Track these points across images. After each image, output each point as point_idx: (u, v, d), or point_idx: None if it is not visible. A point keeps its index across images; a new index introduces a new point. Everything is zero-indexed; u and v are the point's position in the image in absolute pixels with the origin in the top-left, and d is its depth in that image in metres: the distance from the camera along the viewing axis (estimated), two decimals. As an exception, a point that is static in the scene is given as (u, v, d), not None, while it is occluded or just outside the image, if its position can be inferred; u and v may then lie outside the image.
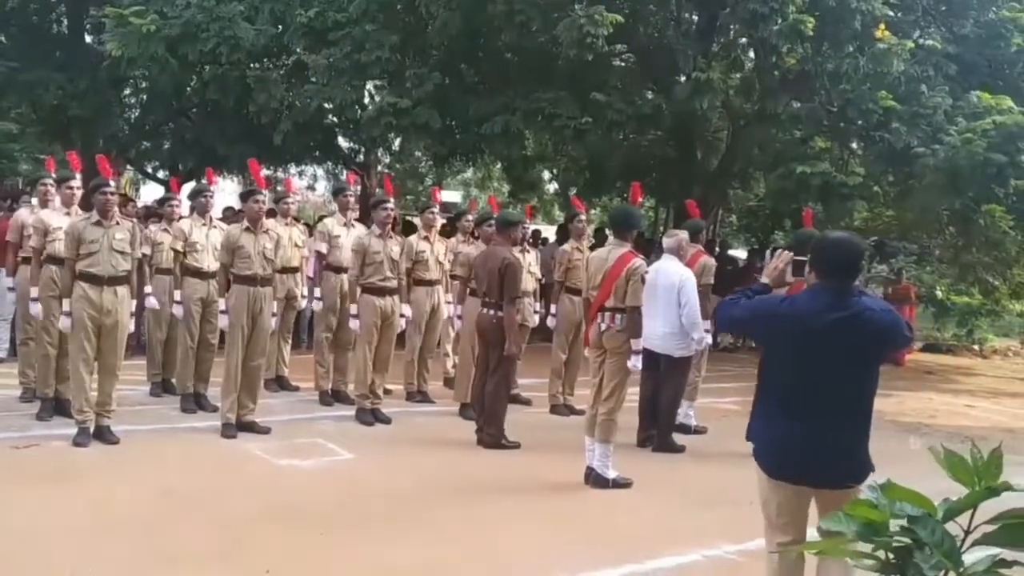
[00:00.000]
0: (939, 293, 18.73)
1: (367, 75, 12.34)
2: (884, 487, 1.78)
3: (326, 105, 12.42)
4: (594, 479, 6.02)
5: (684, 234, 7.38)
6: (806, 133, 13.23)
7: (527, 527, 5.12)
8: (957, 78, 12.44)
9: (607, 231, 9.30)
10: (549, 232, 17.40)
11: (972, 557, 1.76)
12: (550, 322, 8.55)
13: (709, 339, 7.73)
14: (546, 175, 22.01)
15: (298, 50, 12.67)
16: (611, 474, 6.03)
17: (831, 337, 3.26)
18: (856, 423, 3.38)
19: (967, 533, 1.77)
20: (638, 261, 6.09)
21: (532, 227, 15.34)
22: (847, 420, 3.35)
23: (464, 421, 7.58)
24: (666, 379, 7.19)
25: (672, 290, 6.91)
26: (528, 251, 8.91)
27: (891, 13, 11.69)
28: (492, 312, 6.96)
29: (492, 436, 6.85)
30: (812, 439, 3.33)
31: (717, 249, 15.37)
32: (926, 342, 17.42)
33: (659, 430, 7.24)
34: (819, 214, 14.53)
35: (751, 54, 14.06)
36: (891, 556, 1.76)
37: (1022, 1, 13.00)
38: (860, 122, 12.31)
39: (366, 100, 13.96)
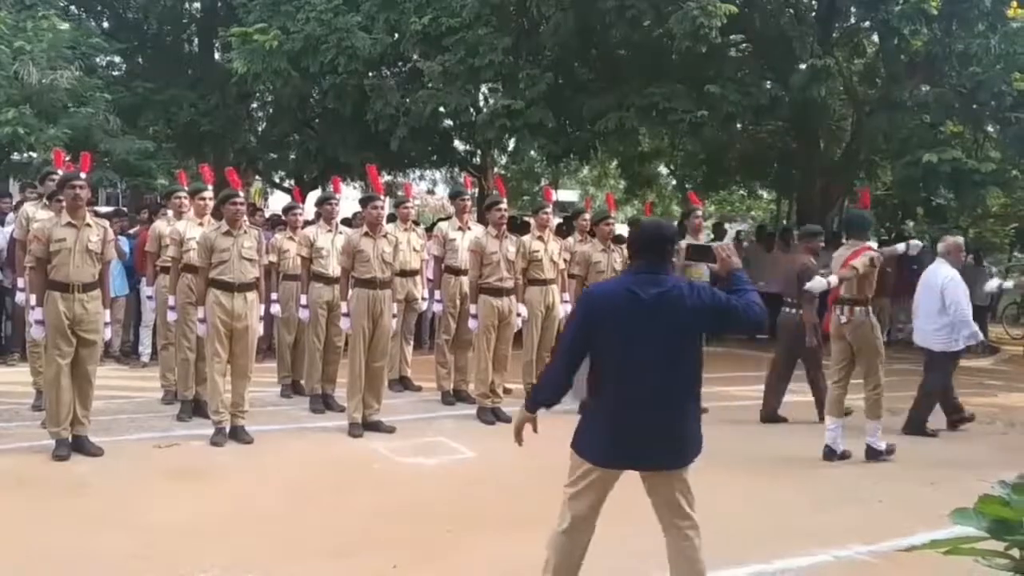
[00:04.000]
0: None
1: (481, 78, 12.51)
2: (1015, 485, 1.70)
3: (441, 109, 12.65)
4: (868, 452, 6.73)
5: (956, 239, 8.07)
6: (935, 119, 12.67)
7: (648, 526, 5.07)
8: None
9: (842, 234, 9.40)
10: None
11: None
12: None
13: (980, 335, 8.12)
14: (663, 170, 21.78)
15: (413, 57, 12.95)
16: (881, 445, 6.73)
17: (650, 312, 3.36)
18: (682, 400, 3.45)
19: (1108, 532, 1.69)
20: (871, 252, 6.82)
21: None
22: (673, 397, 3.42)
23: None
24: (927, 369, 7.94)
25: (935, 290, 7.63)
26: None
27: (1025, -11, 11.12)
28: (794, 311, 7.92)
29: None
30: (641, 422, 3.40)
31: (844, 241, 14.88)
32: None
33: (915, 415, 7.80)
34: (951, 202, 13.96)
35: (875, 38, 13.57)
36: (1026, 555, 1.69)
37: None
38: (993, 103, 11.73)
39: (480, 103, 14.14)
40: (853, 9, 12.34)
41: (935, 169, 11.43)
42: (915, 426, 7.70)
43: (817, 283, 6.89)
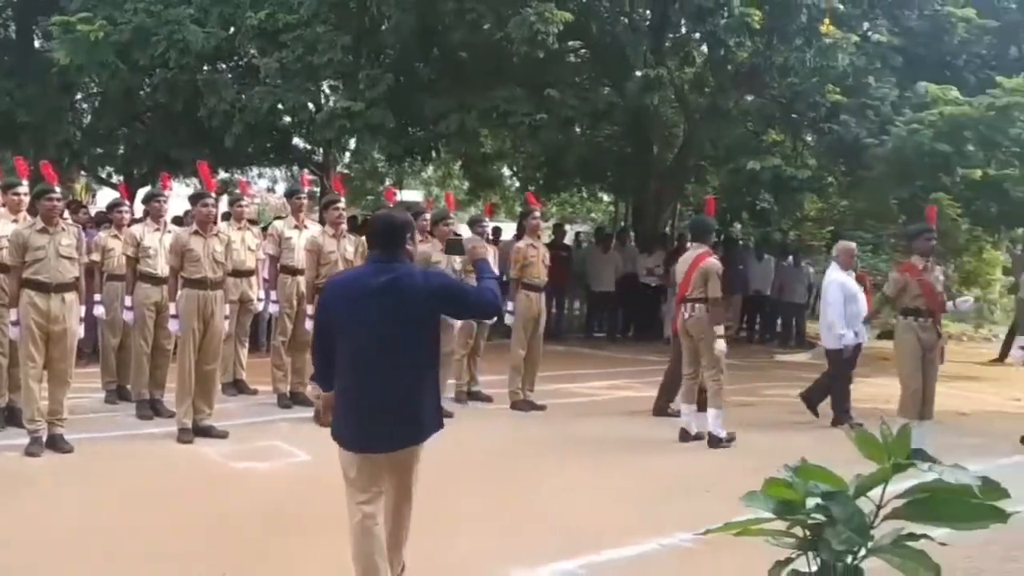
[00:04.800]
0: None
1: (320, 76, 12.34)
2: (798, 468, 1.84)
3: (279, 107, 12.37)
4: (710, 440, 7.15)
5: (848, 244, 8.55)
6: (757, 127, 13.43)
7: (485, 524, 5.15)
8: (904, 70, 12.68)
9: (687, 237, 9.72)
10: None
11: (883, 531, 1.82)
12: (508, 319, 8.58)
13: (850, 338, 8.11)
14: (506, 171, 22.06)
15: (250, 52, 12.63)
16: (722, 433, 7.13)
17: (379, 298, 3.54)
18: (414, 380, 3.63)
19: (879, 508, 1.84)
20: (712, 259, 7.19)
21: (493, 224, 15.40)
22: (404, 378, 3.59)
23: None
24: (828, 365, 8.44)
25: (825, 291, 8.26)
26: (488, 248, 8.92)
27: (839, 6, 11.89)
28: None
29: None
30: (374, 403, 3.58)
31: (675, 243, 15.53)
32: (883, 329, 17.66)
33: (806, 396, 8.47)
34: (773, 206, 14.81)
35: (704, 49, 14.22)
36: (808, 533, 1.82)
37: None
38: (811, 115, 12.52)
39: (322, 101, 13.92)
40: (683, 20, 12.88)
41: (758, 175, 12.11)
42: (807, 402, 8.42)
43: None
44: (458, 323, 8.11)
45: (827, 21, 11.48)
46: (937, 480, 1.78)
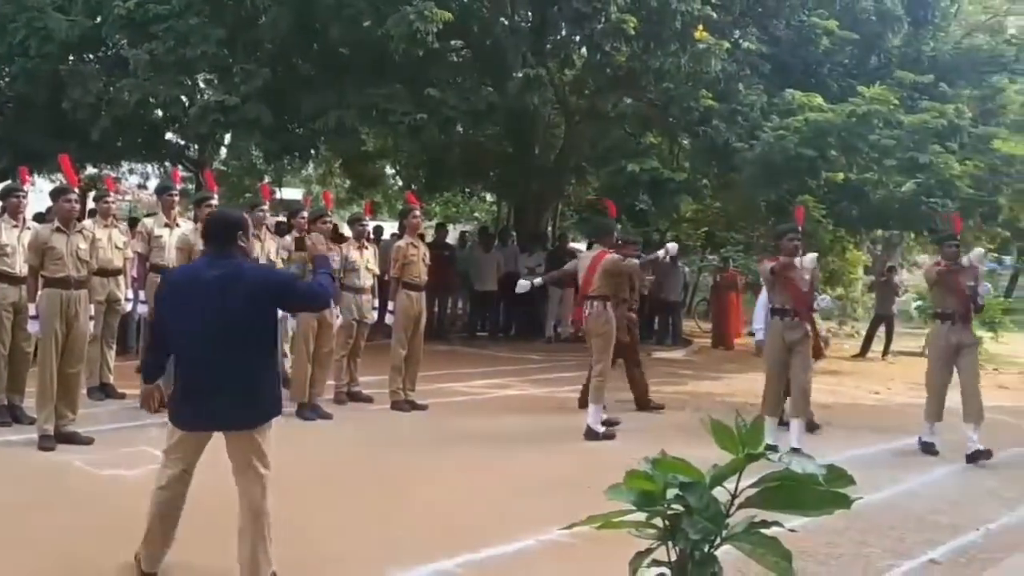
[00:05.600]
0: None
1: (193, 70, 11.97)
2: (657, 460, 1.89)
3: (150, 100, 11.94)
4: (587, 433, 7.36)
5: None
6: (634, 129, 13.72)
7: (362, 526, 5.10)
8: (772, 77, 13.18)
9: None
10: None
11: (738, 520, 1.89)
12: (388, 319, 8.53)
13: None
14: (389, 170, 21.88)
15: (121, 42, 12.13)
16: (600, 428, 7.39)
17: (209, 290, 3.77)
18: (247, 368, 3.84)
19: (733, 498, 1.91)
20: (612, 256, 7.50)
21: (373, 224, 15.25)
22: (237, 366, 3.81)
23: (301, 421, 7.49)
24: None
25: None
26: (366, 247, 8.85)
27: (712, 14, 12.26)
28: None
29: None
30: (207, 388, 3.82)
31: (556, 242, 15.73)
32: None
33: None
34: (651, 207, 15.17)
35: (584, 52, 14.44)
36: (667, 524, 1.88)
37: (827, 8, 13.83)
38: (686, 119, 12.87)
39: (197, 95, 13.50)
40: (563, 23, 13.04)
41: (636, 177, 12.40)
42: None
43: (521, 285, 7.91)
44: (337, 322, 8.02)
45: (700, 28, 11.83)
46: (786, 470, 1.87)
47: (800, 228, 7.75)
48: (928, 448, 7.44)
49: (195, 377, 3.83)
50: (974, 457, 7.10)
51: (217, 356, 3.77)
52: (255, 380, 3.87)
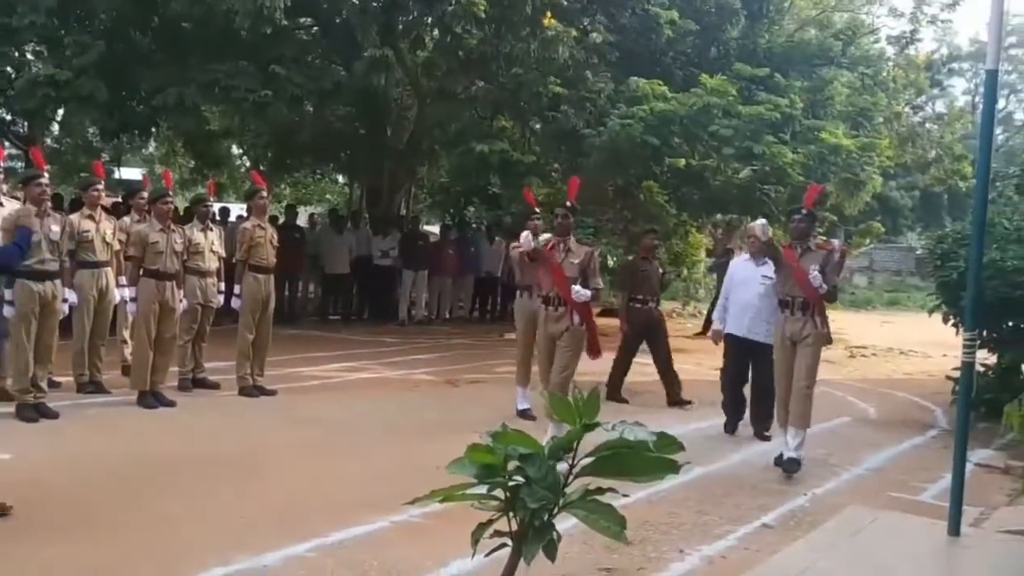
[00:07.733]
0: (611, 262, 20.37)
1: (18, 40, 11.21)
2: (497, 433, 1.95)
3: (-29, 71, 11.15)
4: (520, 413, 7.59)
5: (750, 224, 8.18)
6: (484, 112, 13.81)
7: (207, 514, 4.98)
8: (618, 64, 13.54)
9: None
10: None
11: (575, 488, 1.98)
12: (235, 302, 8.33)
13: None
14: (235, 150, 21.20)
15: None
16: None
17: None
18: None
19: (571, 467, 2.00)
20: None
21: (219, 205, 14.78)
22: None
23: (144, 410, 7.23)
24: None
25: None
26: (212, 229, 8.59)
27: (562, 1, 12.49)
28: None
29: None
30: None
31: (409, 225, 15.69)
32: (604, 307, 18.86)
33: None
34: (502, 190, 15.36)
35: (435, 33, 14.41)
36: (507, 495, 1.95)
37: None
38: (536, 104, 13.07)
39: (26, 68, 12.66)
40: (414, 4, 12.97)
41: (486, 158, 12.49)
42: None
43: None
44: (181, 306, 7.76)
45: (549, 14, 12.02)
46: (619, 438, 1.97)
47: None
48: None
49: None
50: (782, 463, 6.42)
51: None
52: None
